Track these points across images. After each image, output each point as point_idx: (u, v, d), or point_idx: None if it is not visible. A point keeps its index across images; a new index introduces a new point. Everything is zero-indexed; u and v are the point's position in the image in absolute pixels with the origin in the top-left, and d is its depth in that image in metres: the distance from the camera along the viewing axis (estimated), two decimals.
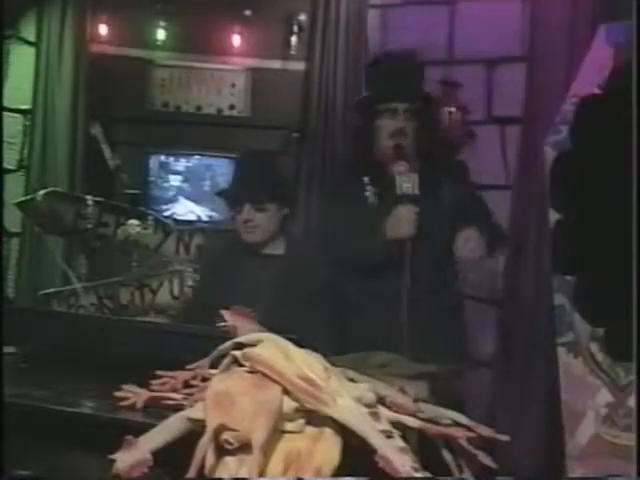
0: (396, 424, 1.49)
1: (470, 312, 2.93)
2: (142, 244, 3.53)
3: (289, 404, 1.44)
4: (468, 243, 2.78)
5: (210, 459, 1.32)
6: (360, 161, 2.98)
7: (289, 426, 1.42)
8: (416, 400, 1.64)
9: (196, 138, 4.38)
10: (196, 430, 1.38)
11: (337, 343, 2.69)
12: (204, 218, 4.39)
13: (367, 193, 2.92)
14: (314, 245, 3.04)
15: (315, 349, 1.62)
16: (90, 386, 1.75)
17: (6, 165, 4.17)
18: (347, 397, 1.47)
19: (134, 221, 3.51)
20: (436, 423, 1.57)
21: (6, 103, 4.15)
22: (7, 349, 1.93)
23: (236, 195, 2.88)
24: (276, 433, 1.39)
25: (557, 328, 2.77)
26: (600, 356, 2.55)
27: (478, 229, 2.79)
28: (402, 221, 2.77)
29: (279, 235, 2.93)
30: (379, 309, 2.97)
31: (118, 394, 1.61)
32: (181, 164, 4.44)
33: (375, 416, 1.46)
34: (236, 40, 4.34)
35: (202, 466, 1.31)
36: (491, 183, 3.79)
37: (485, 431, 1.57)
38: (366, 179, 2.93)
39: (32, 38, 4.29)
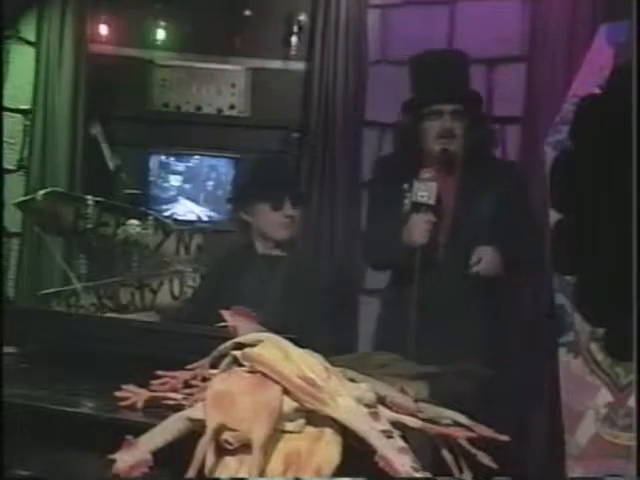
0: (396, 424, 1.49)
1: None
2: (142, 244, 3.53)
3: (289, 404, 1.44)
4: (480, 261, 2.75)
5: (210, 459, 1.32)
6: (406, 164, 2.89)
7: (289, 426, 1.42)
8: (416, 400, 1.64)
9: (196, 138, 4.38)
10: (196, 430, 1.39)
11: (342, 344, 2.70)
12: (204, 218, 4.39)
13: (405, 197, 2.86)
14: (320, 248, 3.03)
15: (319, 350, 1.62)
16: (90, 386, 1.75)
17: (6, 165, 4.17)
18: (347, 397, 1.47)
19: (134, 221, 3.51)
20: (436, 423, 1.57)
21: (6, 103, 4.15)
22: (7, 349, 1.93)
23: (278, 189, 2.85)
24: (276, 433, 1.39)
25: (557, 328, 2.77)
26: (600, 356, 2.55)
27: (499, 247, 2.75)
28: (413, 229, 2.75)
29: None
30: (387, 315, 2.99)
31: (118, 394, 1.61)
32: (181, 164, 4.44)
33: (375, 416, 1.46)
34: (236, 40, 4.34)
35: (202, 466, 1.31)
36: None
37: (485, 431, 1.57)
38: (407, 183, 2.85)
39: (32, 38, 4.29)
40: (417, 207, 2.75)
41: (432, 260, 2.80)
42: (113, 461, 1.35)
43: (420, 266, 2.78)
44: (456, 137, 2.83)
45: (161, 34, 4.36)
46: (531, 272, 3.11)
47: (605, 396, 2.53)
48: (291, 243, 2.90)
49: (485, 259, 2.76)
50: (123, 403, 1.59)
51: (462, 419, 1.61)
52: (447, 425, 1.57)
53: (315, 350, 1.60)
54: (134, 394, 1.61)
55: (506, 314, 2.92)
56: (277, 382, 1.46)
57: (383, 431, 1.42)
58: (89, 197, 3.45)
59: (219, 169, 4.40)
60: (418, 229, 2.75)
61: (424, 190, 2.74)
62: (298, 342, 1.60)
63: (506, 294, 2.93)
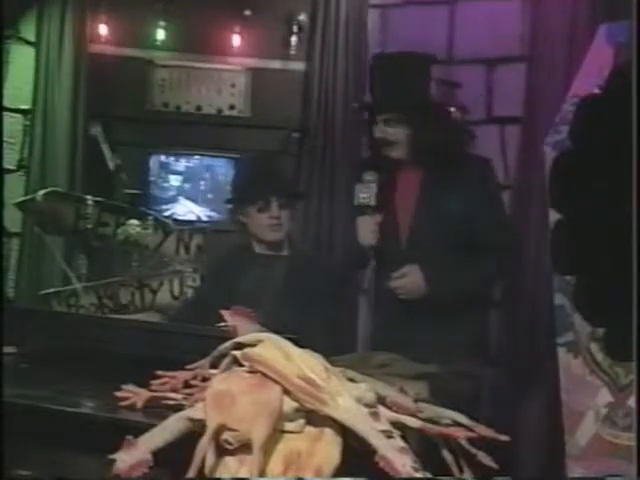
0: (396, 424, 1.49)
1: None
2: (142, 244, 3.53)
3: (289, 404, 1.44)
4: (401, 279, 2.72)
5: (210, 459, 1.32)
6: (360, 166, 2.94)
7: (289, 426, 1.42)
8: (416, 400, 1.64)
9: (196, 138, 4.38)
10: (196, 430, 1.39)
11: (340, 343, 2.69)
12: (204, 218, 4.39)
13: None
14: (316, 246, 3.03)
15: (318, 350, 1.62)
16: (90, 386, 1.75)
17: (6, 165, 4.17)
18: (347, 397, 1.47)
19: (134, 221, 3.51)
20: (436, 423, 1.57)
21: (6, 103, 4.15)
22: (7, 349, 1.93)
23: (263, 191, 2.85)
24: (276, 433, 1.39)
25: (557, 328, 2.77)
26: (600, 356, 2.55)
27: (428, 267, 2.69)
28: (359, 230, 2.78)
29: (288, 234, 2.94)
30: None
31: (118, 394, 1.61)
32: (181, 164, 4.44)
33: (375, 416, 1.46)
34: (236, 40, 4.34)
35: (202, 466, 1.31)
36: None
37: (485, 431, 1.57)
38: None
39: (32, 38, 4.29)
40: (360, 209, 2.78)
41: (389, 261, 2.80)
42: (113, 461, 1.35)
43: (376, 267, 2.83)
44: (396, 144, 2.81)
45: (161, 34, 4.36)
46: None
47: (605, 396, 2.54)
48: (282, 244, 2.90)
49: (408, 278, 2.72)
50: (123, 403, 1.59)
51: (462, 419, 1.61)
52: (447, 425, 1.58)
53: (310, 349, 1.60)
54: (134, 394, 1.61)
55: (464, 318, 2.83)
56: (277, 382, 1.46)
57: (383, 431, 1.42)
58: (89, 197, 3.45)
59: (219, 169, 4.40)
60: (363, 230, 2.77)
61: (365, 192, 2.77)
62: (298, 342, 1.60)
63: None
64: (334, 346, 2.25)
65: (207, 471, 1.31)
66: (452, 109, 2.99)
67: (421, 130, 2.80)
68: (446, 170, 2.79)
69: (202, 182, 4.44)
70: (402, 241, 2.82)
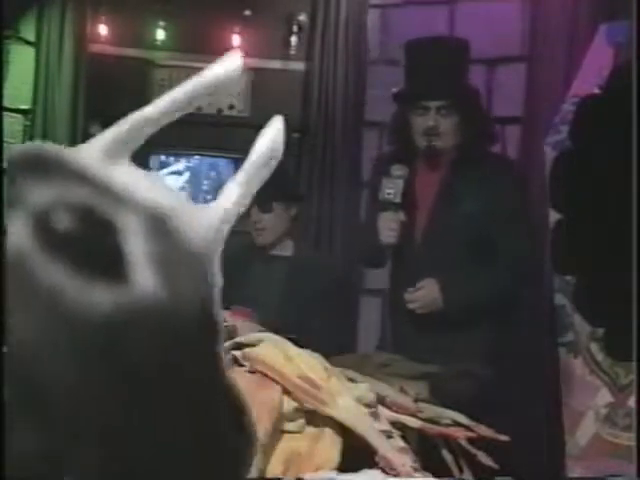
0: (396, 424, 1.49)
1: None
2: None
3: (289, 404, 1.44)
4: (418, 291, 2.64)
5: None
6: (395, 160, 2.79)
7: (289, 426, 1.42)
8: (416, 400, 1.64)
9: (196, 138, 4.38)
10: None
11: (340, 343, 2.69)
12: None
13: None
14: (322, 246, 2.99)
15: (318, 350, 1.62)
16: None
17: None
18: (347, 397, 1.47)
19: None
20: (436, 423, 1.57)
21: (6, 103, 4.14)
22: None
23: None
24: (276, 433, 1.39)
25: (557, 328, 2.77)
26: (600, 356, 2.55)
27: (447, 280, 2.62)
28: (380, 228, 2.67)
29: (287, 236, 2.92)
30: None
31: None
32: (181, 164, 4.44)
33: (375, 416, 1.46)
34: (236, 40, 4.34)
35: None
36: None
37: (485, 431, 1.57)
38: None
39: (32, 38, 4.29)
40: (384, 205, 2.67)
41: (405, 260, 2.73)
42: None
43: (393, 265, 2.76)
44: (443, 134, 2.71)
45: (161, 34, 4.36)
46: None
47: (605, 396, 2.54)
48: (272, 247, 2.89)
49: (424, 292, 2.64)
50: None
51: (462, 419, 1.61)
52: (447, 425, 1.58)
53: (304, 347, 1.60)
54: None
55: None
56: (277, 382, 1.46)
57: (383, 431, 1.42)
58: None
59: (219, 169, 4.40)
60: (384, 228, 2.66)
61: (391, 188, 2.65)
62: (298, 342, 1.60)
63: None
64: (334, 347, 2.25)
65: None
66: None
67: (468, 122, 2.71)
68: (472, 167, 2.71)
69: (202, 182, 4.44)
70: (417, 242, 2.74)
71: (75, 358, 0.40)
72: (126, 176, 0.48)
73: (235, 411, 0.47)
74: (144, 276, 0.43)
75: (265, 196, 2.81)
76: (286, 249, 2.92)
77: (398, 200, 2.65)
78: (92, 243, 0.43)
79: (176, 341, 0.44)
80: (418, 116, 2.73)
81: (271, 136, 0.54)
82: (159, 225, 0.46)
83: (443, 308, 2.63)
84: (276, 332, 1.65)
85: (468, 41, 2.89)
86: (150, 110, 0.52)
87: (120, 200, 0.45)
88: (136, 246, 0.44)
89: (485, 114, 2.85)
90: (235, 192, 0.55)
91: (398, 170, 2.68)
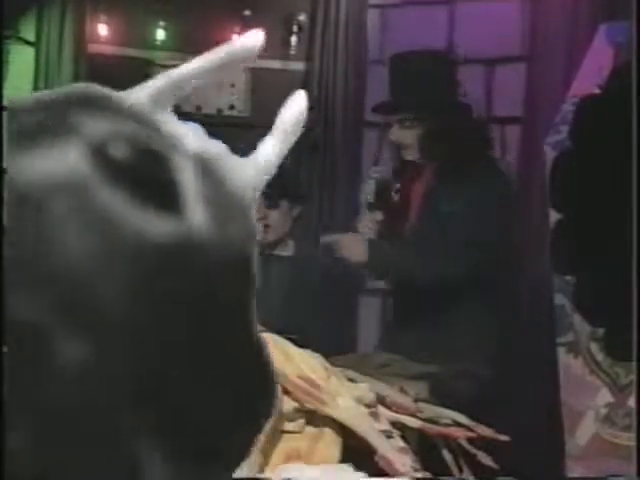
0: (396, 424, 1.49)
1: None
2: None
3: (289, 404, 1.44)
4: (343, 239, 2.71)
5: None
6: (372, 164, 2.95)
7: (289, 426, 1.42)
8: (416, 400, 1.64)
9: None
10: None
11: (340, 343, 2.69)
12: None
13: None
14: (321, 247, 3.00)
15: (319, 350, 1.62)
16: None
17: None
18: (347, 397, 1.47)
19: None
20: (436, 423, 1.57)
21: (6, 103, 4.14)
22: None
23: None
24: (276, 433, 1.39)
25: (557, 328, 2.77)
26: (600, 356, 2.55)
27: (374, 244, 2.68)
28: (358, 228, 2.77)
29: (288, 236, 2.92)
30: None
31: None
32: None
33: (375, 416, 1.46)
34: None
35: None
36: None
37: (485, 431, 1.57)
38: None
39: (32, 38, 4.29)
40: (366, 205, 2.78)
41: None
42: None
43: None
44: (409, 147, 2.76)
45: (161, 34, 4.36)
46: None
47: (605, 396, 2.53)
48: (274, 245, 2.89)
49: (350, 241, 2.71)
50: None
51: (462, 419, 1.61)
52: (447, 425, 1.58)
53: (304, 347, 1.60)
54: None
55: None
56: (277, 382, 1.46)
57: (383, 431, 1.42)
58: None
59: None
60: (360, 227, 2.76)
61: (367, 188, 2.78)
62: (298, 342, 1.60)
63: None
64: (335, 347, 2.25)
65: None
66: (472, 112, 2.91)
67: (435, 133, 2.72)
68: (454, 176, 2.73)
69: None
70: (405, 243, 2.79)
71: (126, 283, 0.41)
72: (172, 123, 0.50)
73: (263, 374, 0.48)
74: (197, 212, 0.44)
75: (272, 192, 2.82)
76: (287, 249, 2.92)
77: (372, 200, 2.74)
78: (148, 175, 0.44)
79: (221, 281, 0.45)
80: (395, 130, 2.79)
81: (298, 102, 0.55)
82: (207, 168, 0.47)
83: (365, 265, 2.67)
84: (276, 332, 1.65)
85: (450, 53, 2.95)
86: (182, 69, 0.56)
87: (171, 140, 0.47)
88: (189, 183, 0.45)
89: (472, 122, 2.84)
90: (272, 146, 0.58)
91: (374, 173, 2.82)
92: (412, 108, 2.76)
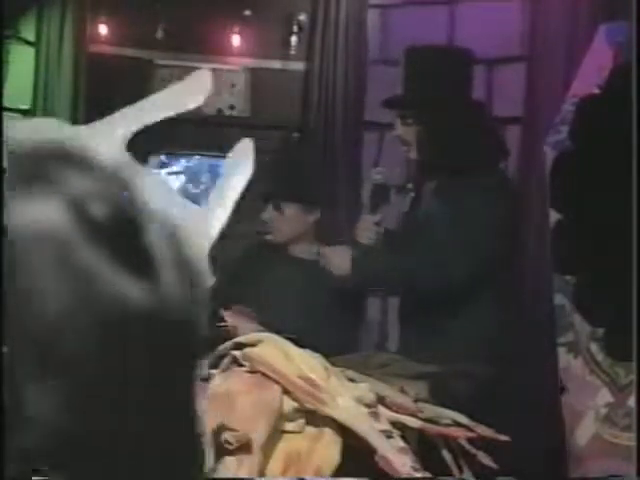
0: (396, 424, 1.49)
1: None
2: None
3: (289, 404, 1.44)
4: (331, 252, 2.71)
5: (210, 459, 1.32)
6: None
7: (289, 426, 1.42)
8: (416, 400, 1.64)
9: (196, 138, 4.38)
10: None
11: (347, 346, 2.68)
12: None
13: None
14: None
15: (310, 347, 1.62)
16: None
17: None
18: (347, 397, 1.47)
19: None
20: (436, 423, 1.57)
21: (6, 103, 4.14)
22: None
23: (259, 193, 2.84)
24: (276, 433, 1.39)
25: (557, 328, 2.77)
26: (600, 356, 2.55)
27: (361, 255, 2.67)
28: (357, 229, 2.76)
29: (304, 239, 2.90)
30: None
31: None
32: (181, 164, 4.44)
33: (375, 416, 1.46)
34: (236, 40, 4.34)
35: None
36: None
37: (485, 431, 1.57)
38: None
39: (32, 38, 4.29)
40: (367, 206, 2.79)
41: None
42: None
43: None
44: (411, 144, 2.71)
45: (161, 34, 4.36)
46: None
47: (605, 396, 2.53)
48: (282, 247, 2.89)
49: (337, 254, 2.71)
50: None
51: (462, 419, 1.61)
52: (447, 425, 1.58)
53: (308, 347, 1.60)
54: None
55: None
56: (277, 382, 1.46)
57: (383, 431, 1.42)
58: None
59: (219, 169, 4.40)
60: (359, 229, 2.76)
61: (366, 190, 2.81)
62: (298, 342, 1.60)
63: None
64: (342, 348, 2.25)
65: (207, 471, 1.31)
66: (480, 112, 2.86)
67: (435, 132, 2.68)
68: (453, 179, 2.70)
69: (202, 182, 4.44)
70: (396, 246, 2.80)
71: (95, 337, 0.42)
72: (141, 180, 0.51)
73: (195, 438, 0.49)
74: (168, 277, 0.46)
75: (277, 195, 2.83)
76: (305, 251, 2.90)
77: (368, 200, 2.75)
78: (126, 238, 0.45)
79: (180, 346, 0.47)
80: (399, 125, 2.75)
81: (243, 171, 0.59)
82: (171, 232, 0.49)
83: (349, 275, 2.66)
84: (276, 332, 1.65)
85: (466, 50, 2.90)
86: (139, 108, 0.54)
87: (142, 201, 0.49)
88: (161, 248, 0.47)
89: (480, 124, 2.80)
90: (219, 218, 0.62)
91: (376, 174, 2.79)
92: (426, 105, 2.70)
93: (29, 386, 0.41)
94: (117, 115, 0.53)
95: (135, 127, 0.53)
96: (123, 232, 0.45)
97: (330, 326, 2.69)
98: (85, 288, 0.42)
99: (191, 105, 0.56)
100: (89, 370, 0.42)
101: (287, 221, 2.86)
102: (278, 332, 1.64)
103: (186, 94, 0.56)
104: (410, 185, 2.85)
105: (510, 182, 2.95)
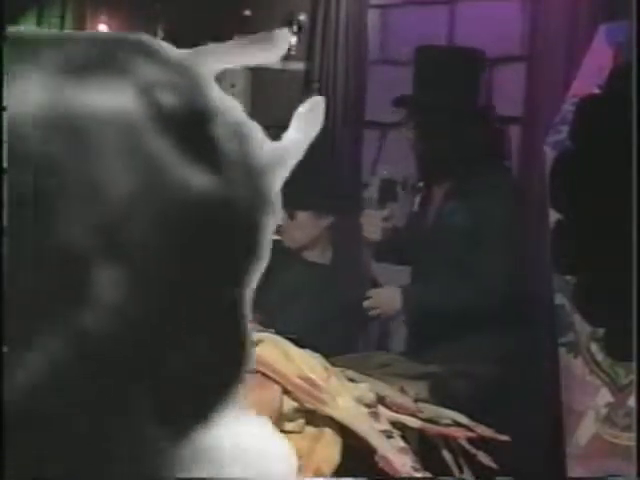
0: (396, 424, 1.49)
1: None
2: None
3: (289, 404, 1.44)
4: (374, 298, 2.69)
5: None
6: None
7: (289, 426, 1.42)
8: (416, 400, 1.64)
9: None
10: None
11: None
12: None
13: None
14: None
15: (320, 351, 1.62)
16: None
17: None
18: (347, 397, 1.47)
19: None
20: (436, 423, 1.57)
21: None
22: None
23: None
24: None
25: (557, 328, 2.77)
26: (600, 356, 2.55)
27: (408, 287, 2.67)
28: (364, 225, 2.79)
29: (316, 244, 2.89)
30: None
31: None
32: None
33: (375, 416, 1.46)
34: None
35: None
36: None
37: (485, 431, 1.57)
38: None
39: None
40: (373, 202, 2.84)
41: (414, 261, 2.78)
42: None
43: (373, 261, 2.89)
44: (420, 144, 2.74)
45: (161, 34, 4.36)
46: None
47: (605, 396, 2.53)
48: (296, 252, 2.89)
49: (382, 296, 2.70)
50: None
51: (462, 419, 1.61)
52: (447, 425, 1.58)
53: (309, 347, 1.60)
54: None
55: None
56: (277, 382, 1.46)
57: (383, 431, 1.42)
58: None
59: None
60: (365, 224, 2.78)
61: (372, 185, 2.80)
62: (298, 342, 1.60)
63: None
64: (339, 347, 2.25)
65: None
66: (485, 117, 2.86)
67: (445, 132, 2.70)
68: (465, 179, 2.71)
69: None
70: (422, 244, 2.78)
71: (161, 225, 0.43)
72: (211, 83, 0.53)
73: (238, 345, 0.49)
74: (231, 170, 0.47)
75: (290, 203, 2.81)
76: (318, 256, 2.89)
77: (376, 196, 2.72)
78: (194, 128, 0.46)
79: (235, 235, 0.48)
80: (405, 126, 2.80)
81: (316, 100, 0.61)
82: (242, 131, 0.52)
83: (402, 310, 2.67)
84: (276, 332, 1.65)
85: (479, 52, 2.90)
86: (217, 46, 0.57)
87: (211, 97, 0.50)
88: (226, 141, 0.48)
89: (489, 124, 2.81)
90: (287, 134, 0.62)
91: (383, 169, 2.77)
92: (437, 105, 2.71)
93: (94, 270, 0.41)
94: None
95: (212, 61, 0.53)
96: (193, 123, 0.46)
97: (340, 329, 2.70)
98: (153, 174, 0.43)
99: (264, 60, 0.58)
100: (152, 256, 0.43)
101: (299, 227, 2.84)
102: (278, 332, 1.65)
103: (265, 48, 0.57)
104: (421, 184, 2.84)
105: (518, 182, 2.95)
